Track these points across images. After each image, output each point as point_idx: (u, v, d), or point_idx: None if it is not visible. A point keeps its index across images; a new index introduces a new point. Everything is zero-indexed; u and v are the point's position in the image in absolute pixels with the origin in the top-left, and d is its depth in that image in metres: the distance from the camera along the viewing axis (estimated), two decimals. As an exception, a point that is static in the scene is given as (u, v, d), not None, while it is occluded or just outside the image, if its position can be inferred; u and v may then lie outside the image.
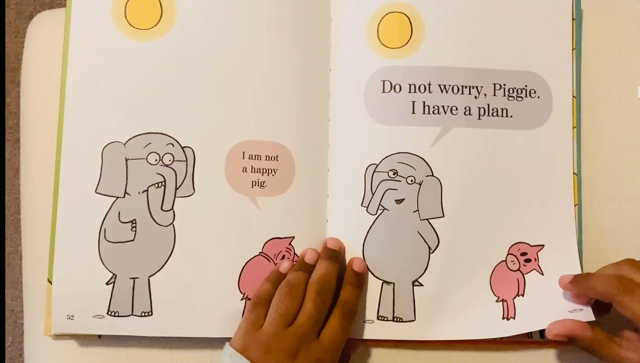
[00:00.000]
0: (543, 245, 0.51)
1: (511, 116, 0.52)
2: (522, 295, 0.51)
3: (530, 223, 0.52)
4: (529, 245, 0.51)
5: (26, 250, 0.53)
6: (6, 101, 1.01)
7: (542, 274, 0.51)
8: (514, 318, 0.50)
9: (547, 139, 0.52)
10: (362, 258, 0.51)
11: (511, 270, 0.51)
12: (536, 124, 0.52)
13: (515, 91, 0.52)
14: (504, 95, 0.52)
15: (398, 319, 0.51)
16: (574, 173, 0.52)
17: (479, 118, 0.52)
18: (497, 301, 0.51)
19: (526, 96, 0.52)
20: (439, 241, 0.51)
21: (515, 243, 0.51)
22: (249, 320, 0.47)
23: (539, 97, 0.53)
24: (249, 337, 0.46)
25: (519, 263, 0.51)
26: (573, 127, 0.53)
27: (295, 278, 0.49)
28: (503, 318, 0.50)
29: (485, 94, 0.52)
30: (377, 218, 0.51)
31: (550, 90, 0.53)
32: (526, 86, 0.53)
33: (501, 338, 0.50)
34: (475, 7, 0.53)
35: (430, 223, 0.51)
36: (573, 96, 0.53)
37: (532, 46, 0.53)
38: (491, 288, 0.51)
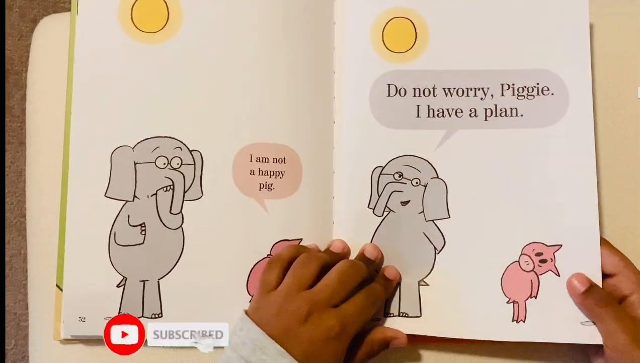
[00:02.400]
0: (561, 245, 0.50)
1: (521, 115, 0.52)
2: (535, 297, 0.50)
3: (546, 222, 0.51)
4: (545, 245, 0.50)
5: (32, 253, 0.54)
6: (10, 104, 1.01)
7: (559, 275, 0.50)
8: (523, 321, 0.50)
9: (565, 135, 0.51)
10: (395, 268, 0.51)
11: (525, 271, 0.50)
12: (551, 121, 0.52)
13: (525, 89, 0.52)
14: (513, 94, 0.52)
15: (404, 314, 0.51)
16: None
17: (486, 119, 0.52)
18: (507, 302, 0.50)
19: (538, 94, 0.52)
20: (444, 242, 0.51)
21: (530, 243, 0.51)
22: (262, 281, 0.47)
23: (552, 93, 0.52)
24: (260, 298, 0.46)
25: (534, 263, 0.50)
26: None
27: (318, 253, 0.49)
28: (513, 320, 0.50)
29: (492, 95, 0.52)
30: (383, 219, 0.52)
31: (566, 85, 0.52)
32: (538, 83, 0.52)
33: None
34: (479, 10, 0.53)
35: (435, 224, 0.52)
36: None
37: (545, 43, 0.52)
38: (502, 289, 0.50)
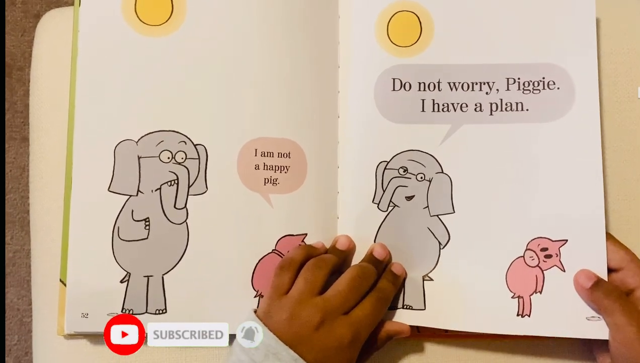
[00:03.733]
0: (566, 240, 0.50)
1: (527, 110, 0.52)
2: (540, 292, 0.50)
3: (552, 217, 0.50)
4: (550, 240, 0.50)
5: (35, 249, 0.53)
6: (13, 100, 1.01)
7: (564, 270, 0.50)
8: (529, 316, 0.49)
9: (571, 130, 0.51)
10: (401, 264, 0.51)
11: (529, 266, 0.50)
12: (556, 115, 0.51)
13: (531, 84, 0.52)
14: (519, 89, 0.52)
15: (408, 307, 0.51)
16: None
17: (491, 114, 0.52)
18: (512, 297, 0.50)
19: (544, 88, 0.52)
20: (449, 237, 0.51)
21: (535, 238, 0.50)
22: (273, 285, 0.47)
23: (558, 88, 0.52)
24: (272, 302, 0.46)
25: (539, 259, 0.50)
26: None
27: (328, 256, 0.49)
28: (518, 315, 0.50)
29: (497, 89, 0.52)
30: (387, 214, 0.52)
31: (572, 79, 0.52)
32: (544, 78, 0.52)
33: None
34: (484, 3, 0.53)
35: (440, 219, 0.51)
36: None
37: (551, 37, 0.52)
38: (507, 284, 0.50)
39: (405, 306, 0.51)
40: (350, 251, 0.51)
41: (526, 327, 0.49)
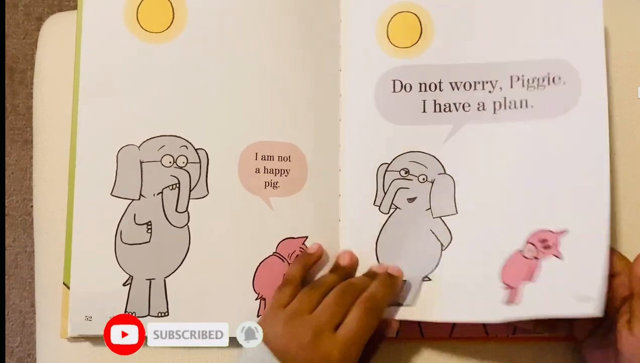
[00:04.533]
0: (566, 230, 0.47)
1: (532, 107, 0.51)
2: (532, 281, 0.47)
3: (554, 210, 0.48)
4: (552, 231, 0.48)
5: (39, 252, 0.54)
6: (15, 103, 1.01)
7: (560, 258, 0.47)
8: (517, 304, 0.46)
9: (577, 124, 0.49)
10: (398, 267, 0.50)
11: (526, 258, 0.48)
12: (562, 110, 0.50)
13: (535, 80, 0.51)
14: (523, 86, 0.51)
15: (396, 303, 0.49)
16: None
17: (494, 113, 0.51)
18: (504, 288, 0.47)
19: (549, 84, 0.51)
20: (451, 238, 0.51)
21: (536, 232, 0.48)
22: (274, 298, 0.48)
23: (564, 83, 0.50)
24: (270, 313, 0.47)
25: (537, 250, 0.48)
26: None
27: (327, 277, 0.49)
28: (506, 303, 0.46)
29: (500, 88, 0.52)
30: (389, 217, 0.51)
31: (578, 73, 0.50)
32: (548, 73, 0.51)
33: (508, 335, 0.51)
34: (485, 2, 0.53)
35: (443, 221, 0.51)
36: None
37: (555, 32, 0.51)
38: (501, 277, 0.48)
39: (394, 303, 0.49)
40: (352, 267, 0.51)
41: (512, 312, 0.46)
